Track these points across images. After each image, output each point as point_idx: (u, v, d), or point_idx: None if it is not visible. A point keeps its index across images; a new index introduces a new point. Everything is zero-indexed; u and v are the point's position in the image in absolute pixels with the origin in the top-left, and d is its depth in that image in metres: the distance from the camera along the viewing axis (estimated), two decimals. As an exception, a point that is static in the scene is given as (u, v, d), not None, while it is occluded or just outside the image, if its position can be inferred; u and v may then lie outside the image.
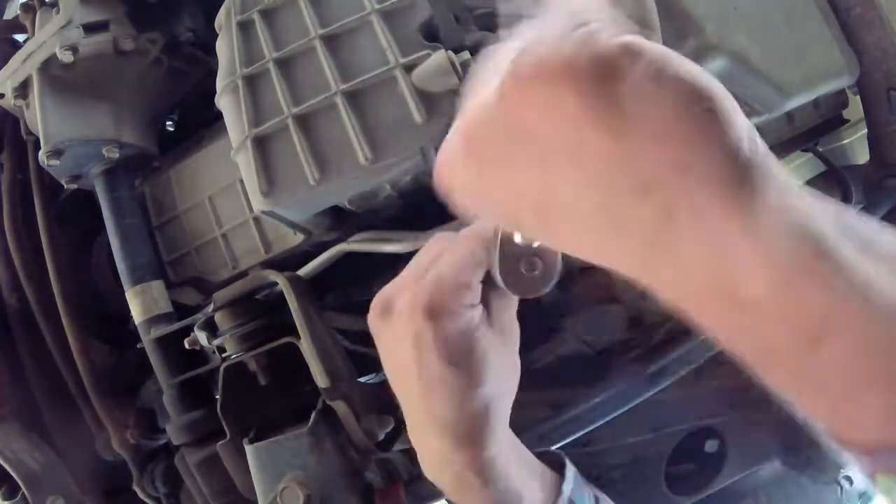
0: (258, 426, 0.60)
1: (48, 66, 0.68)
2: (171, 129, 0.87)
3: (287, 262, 0.69)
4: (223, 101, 0.56)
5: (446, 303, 0.36)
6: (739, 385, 0.59)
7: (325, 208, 0.56)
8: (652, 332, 0.66)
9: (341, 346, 0.62)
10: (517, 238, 0.35)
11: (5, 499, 0.85)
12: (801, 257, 0.23)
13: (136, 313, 0.69)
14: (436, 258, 0.38)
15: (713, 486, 0.76)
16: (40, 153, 0.68)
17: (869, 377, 0.23)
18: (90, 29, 0.68)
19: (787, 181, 0.25)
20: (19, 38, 0.85)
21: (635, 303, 0.67)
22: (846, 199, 0.89)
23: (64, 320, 0.76)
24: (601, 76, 0.24)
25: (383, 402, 0.63)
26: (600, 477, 0.71)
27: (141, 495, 0.74)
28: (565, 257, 0.35)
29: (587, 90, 0.24)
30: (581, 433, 0.59)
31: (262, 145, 0.52)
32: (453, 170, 0.30)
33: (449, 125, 0.50)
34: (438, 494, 0.62)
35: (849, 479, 0.88)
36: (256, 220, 0.71)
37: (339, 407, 0.56)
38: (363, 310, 0.71)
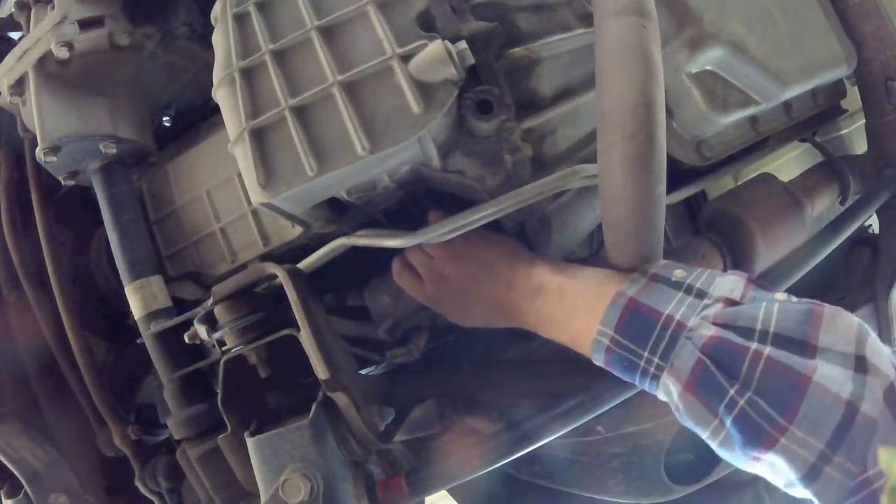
0: (259, 419, 0.60)
1: (44, 63, 0.68)
2: (168, 123, 0.87)
3: (286, 256, 0.69)
4: (220, 94, 0.55)
5: None
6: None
7: (323, 200, 0.56)
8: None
9: (340, 338, 0.62)
10: None
11: (8, 497, 0.85)
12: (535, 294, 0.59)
13: (136, 308, 0.69)
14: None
15: (712, 475, 0.76)
16: (37, 150, 0.68)
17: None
18: (85, 25, 0.68)
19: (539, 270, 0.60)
20: (14, 35, 0.85)
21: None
22: (843, 188, 0.89)
23: (63, 317, 0.76)
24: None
25: (384, 394, 0.63)
26: (600, 466, 0.71)
27: (143, 491, 0.74)
28: None
29: None
30: (581, 422, 0.59)
31: (259, 137, 0.52)
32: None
33: (446, 114, 0.50)
34: (440, 485, 0.62)
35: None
36: (255, 213, 0.71)
37: (340, 399, 0.56)
38: (358, 314, 0.72)
